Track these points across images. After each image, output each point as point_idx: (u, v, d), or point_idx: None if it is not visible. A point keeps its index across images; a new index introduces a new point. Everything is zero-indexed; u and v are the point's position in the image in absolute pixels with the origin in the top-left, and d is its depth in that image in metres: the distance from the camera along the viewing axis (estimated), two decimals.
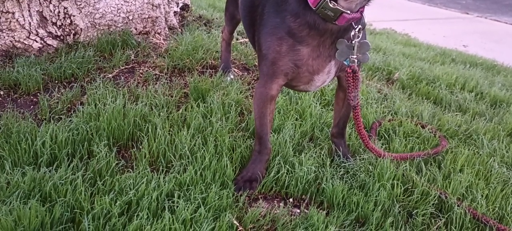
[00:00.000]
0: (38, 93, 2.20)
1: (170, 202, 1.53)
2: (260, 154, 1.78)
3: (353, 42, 1.60)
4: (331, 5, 1.50)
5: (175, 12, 3.37)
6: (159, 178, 1.63)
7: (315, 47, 1.62)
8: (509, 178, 1.95)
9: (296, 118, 2.18)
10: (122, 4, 2.79)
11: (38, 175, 1.57)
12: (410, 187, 1.79)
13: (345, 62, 1.66)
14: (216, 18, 3.78)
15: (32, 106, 2.12)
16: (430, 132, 2.27)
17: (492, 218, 1.69)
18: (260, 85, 1.72)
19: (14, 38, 2.52)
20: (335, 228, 1.54)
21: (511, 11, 8.51)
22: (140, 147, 1.84)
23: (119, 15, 2.78)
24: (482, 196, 1.79)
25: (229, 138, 1.92)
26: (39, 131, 1.82)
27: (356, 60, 1.63)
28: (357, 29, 1.60)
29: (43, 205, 1.45)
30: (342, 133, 1.98)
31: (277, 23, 1.63)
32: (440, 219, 1.67)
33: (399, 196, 1.74)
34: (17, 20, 2.50)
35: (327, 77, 1.73)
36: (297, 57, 1.63)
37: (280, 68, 1.65)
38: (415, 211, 1.69)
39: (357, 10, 1.55)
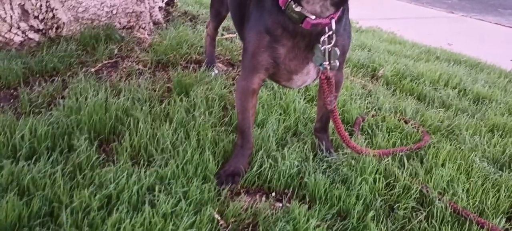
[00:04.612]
0: (18, 87, 2.16)
1: (150, 195, 1.52)
2: (243, 148, 1.77)
3: (322, 48, 1.60)
4: (295, 8, 1.51)
5: (160, 7, 3.35)
6: (140, 172, 1.61)
7: (290, 48, 1.62)
8: (490, 173, 1.97)
9: (280, 113, 2.18)
10: None
11: (16, 169, 1.54)
12: (392, 181, 1.80)
13: (320, 68, 1.66)
14: (202, 14, 3.76)
15: (12, 100, 2.09)
16: (413, 127, 2.28)
17: (472, 212, 1.71)
18: (242, 79, 1.72)
19: None
20: (317, 221, 1.54)
21: (496, 11, 8.61)
22: (122, 140, 1.82)
23: (103, 9, 2.75)
24: (463, 190, 1.81)
25: (212, 132, 1.91)
26: (18, 125, 1.79)
27: (328, 67, 1.63)
28: (326, 36, 1.58)
29: (20, 199, 1.43)
30: (325, 128, 1.98)
31: (258, 18, 1.64)
32: (421, 213, 1.68)
33: (381, 190, 1.75)
34: None
35: (307, 77, 1.74)
36: (276, 54, 1.63)
37: (261, 63, 1.65)
38: (396, 205, 1.70)
39: (326, 16, 1.55)
